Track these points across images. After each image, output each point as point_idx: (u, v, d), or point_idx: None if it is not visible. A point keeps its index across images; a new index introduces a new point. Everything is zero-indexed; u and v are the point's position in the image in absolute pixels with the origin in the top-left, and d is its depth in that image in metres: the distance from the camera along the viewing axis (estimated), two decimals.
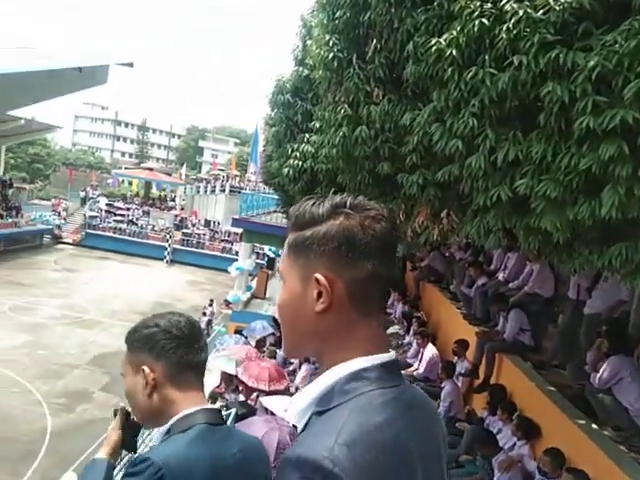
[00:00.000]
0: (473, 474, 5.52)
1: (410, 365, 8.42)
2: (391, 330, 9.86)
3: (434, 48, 3.73)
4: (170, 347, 1.43)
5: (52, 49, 20.97)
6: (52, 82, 17.94)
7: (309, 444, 0.85)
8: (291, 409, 0.98)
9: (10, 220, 32.24)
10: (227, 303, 21.32)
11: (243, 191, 31.78)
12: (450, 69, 3.68)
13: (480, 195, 3.86)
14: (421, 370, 8.03)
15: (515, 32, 3.20)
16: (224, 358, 10.50)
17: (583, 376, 5.22)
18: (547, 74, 3.12)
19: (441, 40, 3.72)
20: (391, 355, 0.99)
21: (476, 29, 3.44)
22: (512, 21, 3.19)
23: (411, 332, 9.21)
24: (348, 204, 0.96)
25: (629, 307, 5.63)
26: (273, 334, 13.96)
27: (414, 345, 8.73)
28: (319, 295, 0.94)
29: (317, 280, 0.94)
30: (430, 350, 8.07)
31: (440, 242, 5.05)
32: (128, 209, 41.60)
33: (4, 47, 18.40)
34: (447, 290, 9.64)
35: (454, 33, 3.63)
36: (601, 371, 4.67)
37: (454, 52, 3.61)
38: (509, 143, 3.53)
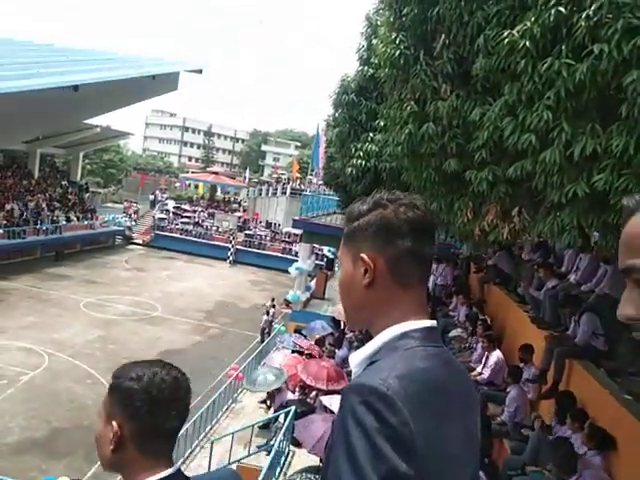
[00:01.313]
0: None
1: (473, 369, 8.20)
2: (453, 333, 9.63)
3: (506, 40, 3.64)
4: (145, 410, 1.30)
5: (127, 58, 22.06)
6: (127, 90, 18.89)
7: (366, 377, 1.00)
8: (350, 363, 1.15)
9: (86, 222, 34.19)
10: (287, 303, 21.58)
11: (304, 193, 32.09)
12: (523, 61, 3.57)
13: (555, 191, 3.71)
14: (485, 375, 7.79)
15: (596, 19, 3.07)
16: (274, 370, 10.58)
17: None
18: (631, 62, 2.97)
19: (514, 32, 3.62)
20: (433, 322, 1.14)
21: (552, 18, 3.33)
22: (593, 7, 3.07)
23: (476, 335, 8.97)
24: (386, 198, 1.15)
25: None
26: (332, 334, 14.01)
27: (478, 349, 8.49)
28: (365, 272, 1.12)
29: (362, 259, 1.12)
30: (496, 355, 7.82)
31: (510, 242, 4.88)
32: (194, 211, 43.10)
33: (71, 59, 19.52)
34: (514, 292, 9.31)
35: (528, 24, 3.53)
36: None
37: (528, 43, 3.51)
38: (586, 136, 3.39)
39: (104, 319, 20.53)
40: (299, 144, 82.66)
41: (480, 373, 7.97)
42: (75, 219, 33.08)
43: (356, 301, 1.16)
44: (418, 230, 1.12)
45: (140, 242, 39.20)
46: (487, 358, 7.97)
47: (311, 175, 42.54)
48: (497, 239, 4.78)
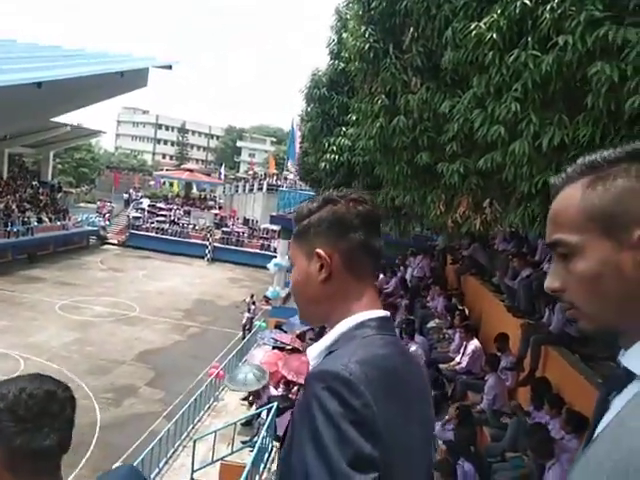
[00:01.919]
0: (519, 468, 5.39)
1: (452, 359, 8.29)
2: (432, 324, 9.72)
3: (474, 33, 3.66)
4: (12, 431, 1.19)
5: (94, 54, 21.57)
6: (94, 87, 18.49)
7: (328, 363, 1.03)
8: (309, 356, 1.16)
9: (59, 223, 33.50)
10: (267, 299, 21.53)
11: (280, 189, 31.97)
12: (491, 53, 3.59)
13: (524, 182, 3.75)
14: (464, 364, 7.89)
15: (560, 11, 3.09)
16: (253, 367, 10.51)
17: None
18: (595, 53, 3.01)
19: (481, 24, 3.64)
20: (386, 312, 1.19)
21: (518, 10, 3.35)
22: (556, 0, 3.09)
23: (454, 326, 9.07)
24: (335, 195, 1.19)
25: None
26: (312, 329, 14.03)
27: (456, 339, 8.59)
28: (321, 267, 1.15)
29: (318, 255, 1.14)
30: (473, 344, 7.92)
31: (482, 233, 4.93)
32: (170, 209, 42.58)
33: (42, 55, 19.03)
34: (489, 283, 9.43)
35: (494, 16, 3.54)
36: None
37: (495, 36, 3.53)
38: (554, 127, 3.43)
39: (80, 321, 20.17)
40: (275, 140, 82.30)
41: (459, 362, 8.06)
42: (47, 220, 32.38)
43: (312, 297, 1.18)
44: (368, 223, 1.17)
45: (115, 242, 38.62)
46: (465, 347, 8.06)
47: (286, 171, 42.42)
48: (470, 230, 4.83)
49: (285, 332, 13.63)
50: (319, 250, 1.14)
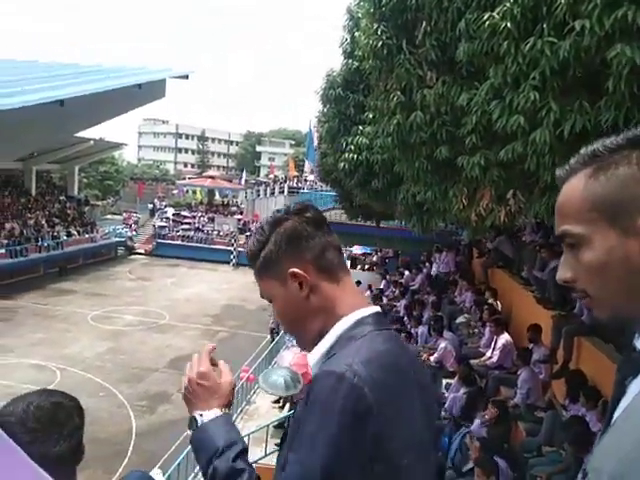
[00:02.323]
0: (556, 462, 5.28)
1: (483, 354, 8.19)
2: (460, 319, 9.62)
3: (487, 23, 3.61)
4: (25, 441, 1.26)
5: (112, 69, 22.00)
6: (114, 101, 18.84)
7: (331, 364, 1.02)
8: (309, 363, 1.15)
9: (87, 236, 34.21)
10: None
11: (301, 191, 32.06)
12: (506, 43, 3.54)
13: (547, 171, 3.68)
14: (495, 359, 7.78)
15: None
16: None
17: None
18: (614, 36, 2.93)
19: (494, 14, 3.59)
20: (377, 307, 1.19)
21: None
22: None
23: (483, 320, 8.95)
24: (279, 216, 1.19)
25: None
26: None
27: (487, 334, 8.48)
28: (300, 285, 1.13)
29: (294, 274, 1.13)
30: (504, 337, 7.81)
31: (507, 225, 4.85)
32: (194, 217, 43.05)
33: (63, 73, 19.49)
34: (518, 275, 9.28)
35: (507, 5, 3.49)
36: None
37: (509, 25, 3.47)
38: (575, 114, 3.36)
39: (112, 330, 20.56)
40: (293, 142, 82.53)
41: (489, 357, 7.96)
42: (76, 233, 33.08)
43: (303, 316, 1.16)
44: (319, 225, 1.17)
45: (142, 252, 39.21)
46: (495, 342, 7.95)
47: (306, 172, 42.49)
48: (494, 223, 4.75)
49: None
50: (293, 269, 1.13)
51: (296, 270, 1.13)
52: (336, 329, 1.12)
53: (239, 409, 12.72)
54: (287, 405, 10.95)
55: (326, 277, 1.15)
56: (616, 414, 0.81)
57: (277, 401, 11.92)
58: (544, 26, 3.34)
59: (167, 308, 24.21)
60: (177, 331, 21.27)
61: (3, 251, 25.89)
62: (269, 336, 20.04)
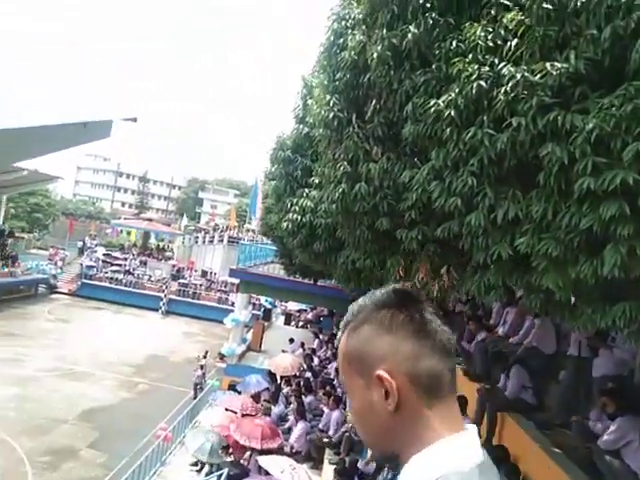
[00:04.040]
0: None
1: None
2: None
3: (433, 109, 3.82)
4: None
5: (57, 103, 21.50)
6: (57, 136, 18.27)
7: None
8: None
9: (6, 269, 32.07)
10: (221, 356, 20.93)
11: (242, 242, 31.85)
12: (449, 129, 3.75)
13: (480, 252, 3.85)
14: None
15: (513, 95, 3.28)
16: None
17: (589, 436, 5.04)
18: (546, 135, 3.18)
19: (439, 101, 3.81)
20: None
21: (474, 91, 3.54)
22: (510, 84, 3.29)
23: None
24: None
25: (634, 365, 5.52)
26: (267, 389, 13.62)
27: None
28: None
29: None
30: None
31: (439, 299, 4.99)
32: (125, 259, 41.57)
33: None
34: None
35: (452, 95, 3.72)
36: (609, 432, 4.51)
37: (452, 113, 3.69)
38: (508, 202, 3.56)
39: (21, 375, 18.97)
40: (238, 192, 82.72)
41: None
42: None
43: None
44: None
45: (65, 291, 37.15)
46: None
47: (249, 224, 42.47)
48: (428, 296, 4.87)
49: (239, 393, 13.19)
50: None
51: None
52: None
53: (152, 471, 11.88)
54: (205, 468, 10.34)
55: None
56: None
57: (195, 464, 11.25)
58: (484, 118, 3.58)
59: (86, 354, 22.76)
60: (94, 380, 19.94)
61: None
62: (192, 392, 19.18)
